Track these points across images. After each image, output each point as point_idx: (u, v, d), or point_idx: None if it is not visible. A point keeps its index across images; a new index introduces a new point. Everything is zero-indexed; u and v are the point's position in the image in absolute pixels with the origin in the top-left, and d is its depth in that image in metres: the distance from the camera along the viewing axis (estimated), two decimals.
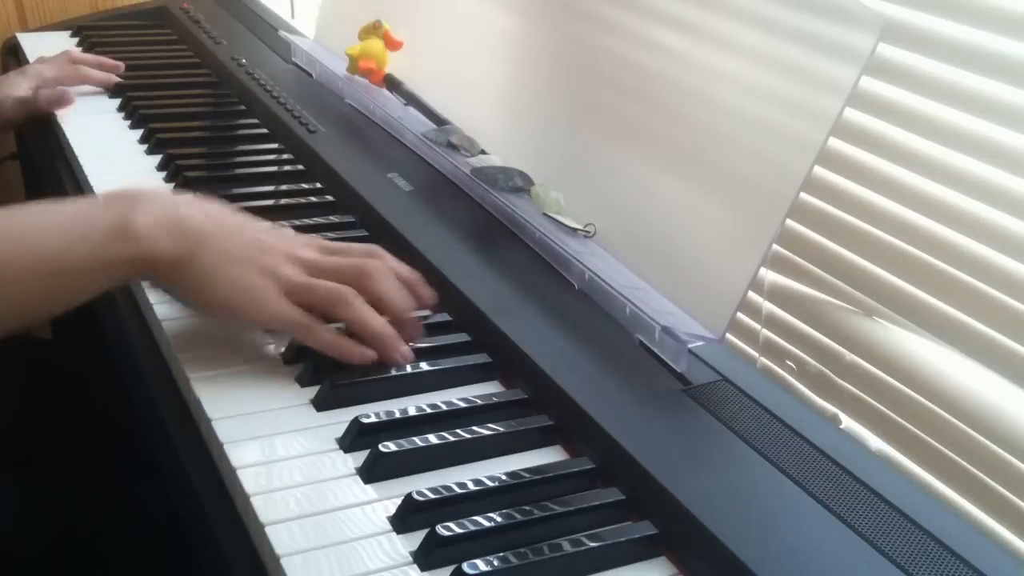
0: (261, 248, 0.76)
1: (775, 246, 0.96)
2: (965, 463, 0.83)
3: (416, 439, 0.68)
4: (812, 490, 0.64)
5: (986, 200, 0.79)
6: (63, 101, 1.23)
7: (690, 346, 0.76)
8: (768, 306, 1.00)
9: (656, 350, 0.78)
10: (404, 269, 0.81)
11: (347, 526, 0.62)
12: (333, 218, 1.00)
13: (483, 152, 1.05)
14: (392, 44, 1.21)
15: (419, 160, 1.09)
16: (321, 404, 0.73)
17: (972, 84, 0.78)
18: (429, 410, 0.72)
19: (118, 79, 1.32)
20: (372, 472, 0.66)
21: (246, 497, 0.64)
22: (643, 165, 0.88)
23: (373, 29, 1.21)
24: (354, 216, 1.00)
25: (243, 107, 1.28)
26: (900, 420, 0.88)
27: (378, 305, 0.76)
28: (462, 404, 0.73)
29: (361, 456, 0.68)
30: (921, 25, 0.81)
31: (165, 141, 1.16)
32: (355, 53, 1.21)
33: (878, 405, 0.90)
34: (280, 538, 0.61)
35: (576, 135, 0.96)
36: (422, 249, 0.90)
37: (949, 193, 0.81)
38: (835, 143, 0.89)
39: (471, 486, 0.65)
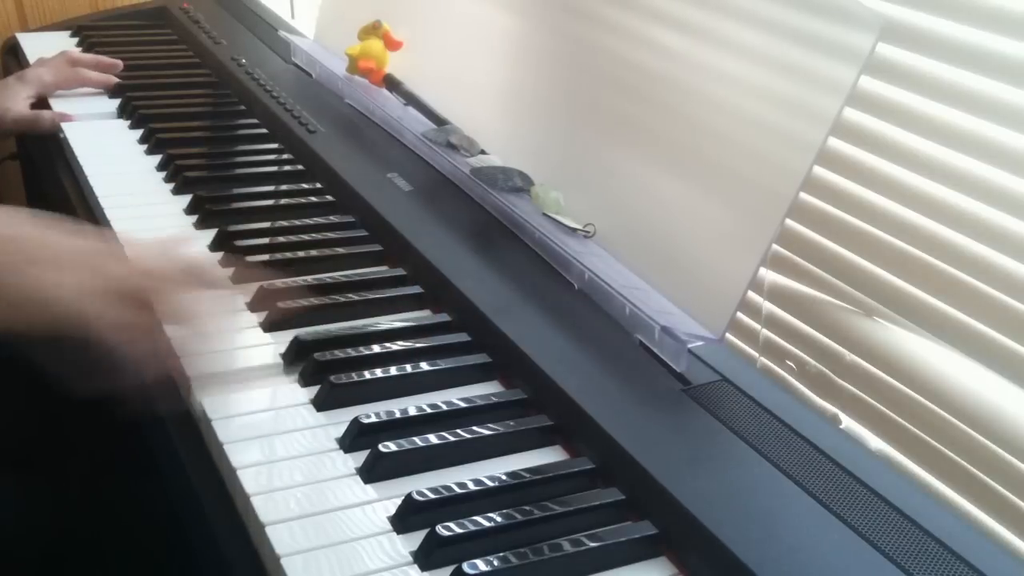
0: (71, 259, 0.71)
1: (775, 246, 0.96)
2: (965, 463, 0.83)
3: (416, 439, 0.68)
4: (812, 490, 0.64)
5: (986, 200, 0.79)
6: (65, 121, 1.22)
7: (690, 346, 0.76)
8: (768, 306, 1.00)
9: (656, 350, 0.78)
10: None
11: (347, 526, 0.62)
12: (333, 218, 1.00)
13: (483, 152, 1.05)
14: (392, 44, 1.21)
15: (419, 160, 1.09)
16: (321, 404, 0.73)
17: (972, 84, 0.78)
18: (429, 410, 0.72)
19: (117, 79, 1.32)
20: (372, 472, 0.66)
21: (246, 497, 0.64)
22: (643, 165, 0.88)
23: (373, 29, 1.21)
24: (354, 216, 1.00)
25: (243, 107, 1.28)
26: (900, 420, 0.88)
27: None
28: (462, 404, 0.73)
29: (361, 456, 0.68)
30: (921, 25, 0.81)
31: (165, 141, 1.16)
32: (355, 53, 1.21)
33: (878, 405, 0.90)
34: (280, 538, 0.61)
35: (576, 135, 0.96)
36: (422, 249, 0.90)
37: (949, 193, 0.81)
38: (835, 143, 0.89)
39: (471, 486, 0.65)
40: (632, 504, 0.65)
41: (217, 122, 1.27)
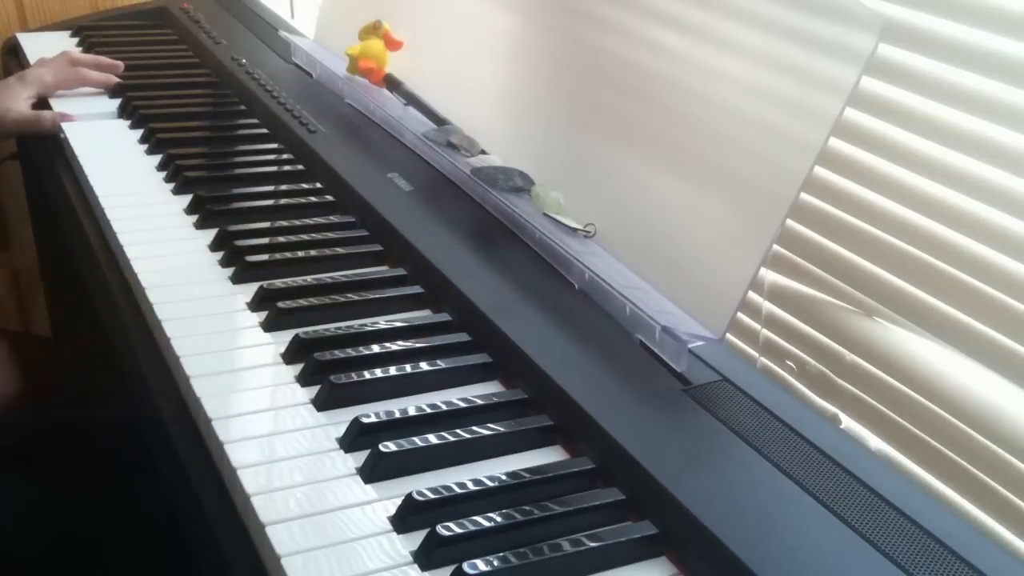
0: None
1: (775, 246, 0.96)
2: (965, 463, 0.83)
3: (416, 439, 0.68)
4: (812, 490, 0.64)
5: (986, 200, 0.79)
6: (66, 121, 1.22)
7: (690, 346, 0.76)
8: (768, 306, 1.00)
9: (656, 350, 0.78)
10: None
11: (347, 526, 0.62)
12: (333, 218, 1.00)
13: (483, 152, 1.05)
14: (392, 44, 1.21)
15: (419, 160, 1.09)
16: (321, 404, 0.73)
17: (972, 84, 0.78)
18: (429, 410, 0.72)
19: (117, 79, 1.32)
20: (372, 472, 0.66)
21: (246, 497, 0.64)
22: (643, 165, 0.88)
23: (373, 29, 1.21)
24: (354, 216, 1.00)
25: (243, 107, 1.28)
26: (900, 420, 0.88)
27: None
28: (462, 404, 0.73)
29: (361, 456, 0.68)
30: (921, 25, 0.81)
31: (165, 141, 1.16)
32: (355, 53, 1.21)
33: (878, 405, 0.90)
34: (280, 538, 0.61)
35: (576, 135, 0.96)
36: (422, 249, 0.90)
37: (949, 193, 0.81)
38: (835, 143, 0.89)
39: (471, 486, 0.65)
40: (632, 504, 0.65)
41: (217, 122, 1.27)
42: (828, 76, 0.73)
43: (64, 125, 1.19)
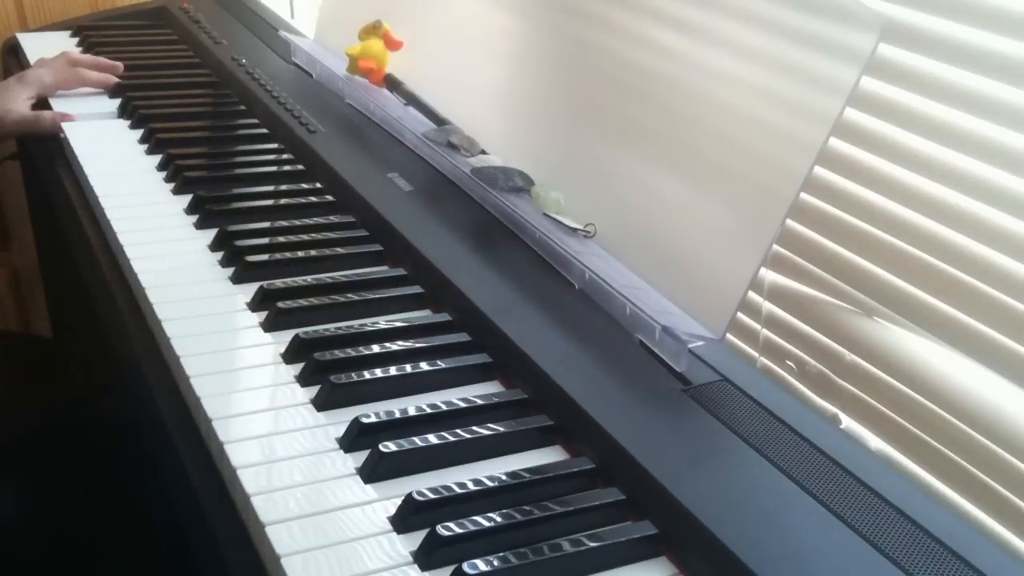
0: None
1: (775, 246, 0.96)
2: (965, 463, 0.83)
3: (416, 439, 0.68)
4: (812, 490, 0.64)
5: (986, 200, 0.79)
6: (66, 121, 1.22)
7: (690, 346, 0.76)
8: (768, 306, 1.00)
9: (656, 350, 0.78)
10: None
11: (347, 526, 0.62)
12: (333, 218, 1.00)
13: (483, 152, 1.05)
14: (392, 44, 1.21)
15: (419, 160, 1.09)
16: (321, 404, 0.73)
17: (972, 84, 0.78)
18: (429, 410, 0.72)
19: (117, 79, 1.32)
20: (372, 472, 0.66)
21: (246, 497, 0.64)
22: (643, 165, 0.88)
23: (373, 29, 1.21)
24: (354, 216, 1.00)
25: (243, 107, 1.28)
26: (900, 420, 0.88)
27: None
28: (462, 404, 0.73)
29: (361, 456, 0.68)
30: (921, 25, 0.81)
31: (165, 141, 1.16)
32: (355, 53, 1.21)
33: (878, 405, 0.90)
34: (280, 538, 0.61)
35: (576, 135, 0.96)
36: (422, 249, 0.90)
37: (949, 193, 0.81)
38: (835, 143, 0.89)
39: (471, 486, 0.65)
40: (632, 504, 0.65)
41: (217, 122, 1.27)
42: (828, 76, 0.73)
43: (64, 125, 1.19)
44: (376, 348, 0.79)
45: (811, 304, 0.95)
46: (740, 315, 1.00)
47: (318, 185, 1.08)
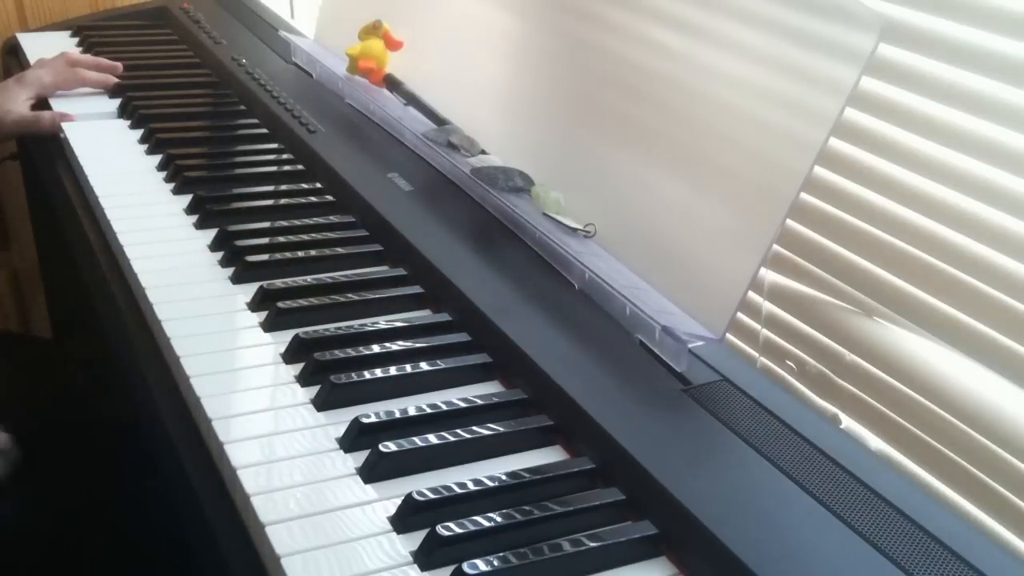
0: None
1: (775, 246, 0.96)
2: (965, 463, 0.83)
3: (416, 439, 0.68)
4: (812, 490, 0.64)
5: (986, 200, 0.79)
6: (65, 120, 1.22)
7: (690, 346, 0.76)
8: (768, 306, 1.00)
9: (656, 350, 0.77)
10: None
11: (347, 526, 0.62)
12: (333, 218, 1.00)
13: (483, 152, 1.05)
14: (392, 44, 1.21)
15: (419, 160, 1.09)
16: (321, 404, 0.73)
17: (972, 84, 0.78)
18: (429, 410, 0.72)
19: (116, 80, 1.32)
20: (372, 472, 0.66)
21: (246, 497, 0.64)
22: (643, 165, 0.88)
23: (373, 29, 1.21)
24: (354, 216, 1.00)
25: (243, 107, 1.28)
26: (900, 420, 0.88)
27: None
28: (462, 404, 0.73)
29: (361, 456, 0.68)
30: (921, 25, 0.81)
31: (165, 141, 1.16)
32: (355, 53, 1.21)
33: (878, 405, 0.90)
34: (280, 538, 0.61)
35: (576, 135, 0.96)
36: (422, 249, 0.90)
37: (949, 193, 0.81)
38: (835, 143, 0.89)
39: (471, 486, 0.65)
40: (632, 504, 0.65)
41: (217, 122, 1.27)
42: (828, 76, 0.73)
43: (64, 125, 1.19)
44: (376, 348, 0.79)
45: (811, 304, 0.95)
46: (740, 315, 1.00)
47: (318, 185, 1.08)
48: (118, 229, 0.96)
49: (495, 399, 0.74)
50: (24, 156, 1.49)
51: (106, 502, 1.04)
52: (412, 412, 0.72)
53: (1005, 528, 0.80)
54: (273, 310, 0.83)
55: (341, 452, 0.69)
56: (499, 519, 0.62)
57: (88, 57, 1.35)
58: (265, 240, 0.96)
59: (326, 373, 0.75)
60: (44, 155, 1.21)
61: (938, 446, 0.84)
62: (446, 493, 0.63)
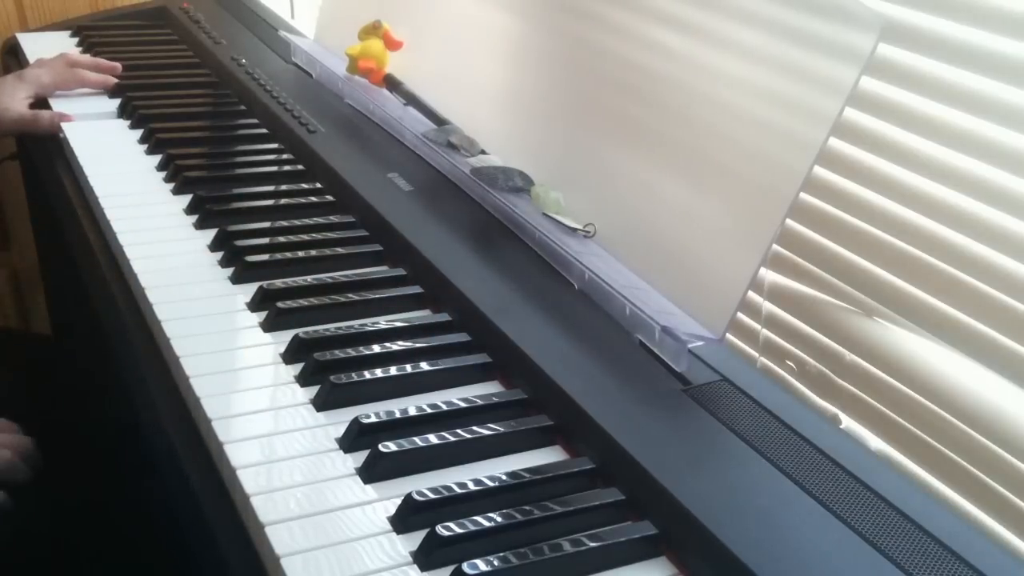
0: None
1: (775, 246, 0.96)
2: (965, 463, 0.83)
3: (416, 439, 0.68)
4: (812, 490, 0.64)
5: (986, 200, 0.79)
6: (64, 121, 1.22)
7: (690, 346, 0.76)
8: (768, 306, 1.00)
9: (656, 350, 0.77)
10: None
11: (347, 526, 0.62)
12: (333, 218, 1.00)
13: (483, 152, 1.05)
14: (392, 44, 1.21)
15: (419, 160, 1.09)
16: (321, 404, 0.73)
17: (972, 84, 0.78)
18: (429, 410, 0.72)
19: (116, 80, 1.32)
20: (372, 472, 0.66)
21: (246, 497, 0.64)
22: (643, 165, 0.88)
23: (373, 29, 1.21)
24: (354, 216, 1.00)
25: (243, 107, 1.28)
26: (900, 420, 0.88)
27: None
28: (462, 404, 0.73)
29: (361, 456, 0.68)
30: (921, 25, 0.81)
31: (165, 141, 1.16)
32: (355, 53, 1.21)
33: (878, 405, 0.90)
34: (280, 538, 0.61)
35: (576, 135, 0.96)
36: (422, 249, 0.90)
37: (949, 193, 0.81)
38: (835, 143, 0.89)
39: (471, 486, 0.65)
40: (632, 504, 0.65)
41: (217, 122, 1.27)
42: (828, 76, 0.73)
43: (64, 125, 1.19)
44: (376, 348, 0.79)
45: (811, 304, 0.95)
46: (740, 315, 1.00)
47: (318, 185, 1.08)
48: (118, 229, 0.96)
49: (495, 399, 0.74)
50: (24, 156, 1.49)
51: (105, 502, 1.04)
52: (412, 412, 0.72)
53: (1005, 528, 0.80)
54: (273, 310, 0.83)
55: (341, 452, 0.69)
56: (499, 519, 0.62)
57: (87, 58, 1.35)
58: (265, 240, 0.96)
59: (326, 373, 0.75)
60: (44, 155, 1.21)
61: (938, 446, 0.84)
62: (446, 493, 0.63)
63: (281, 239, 0.96)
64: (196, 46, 1.47)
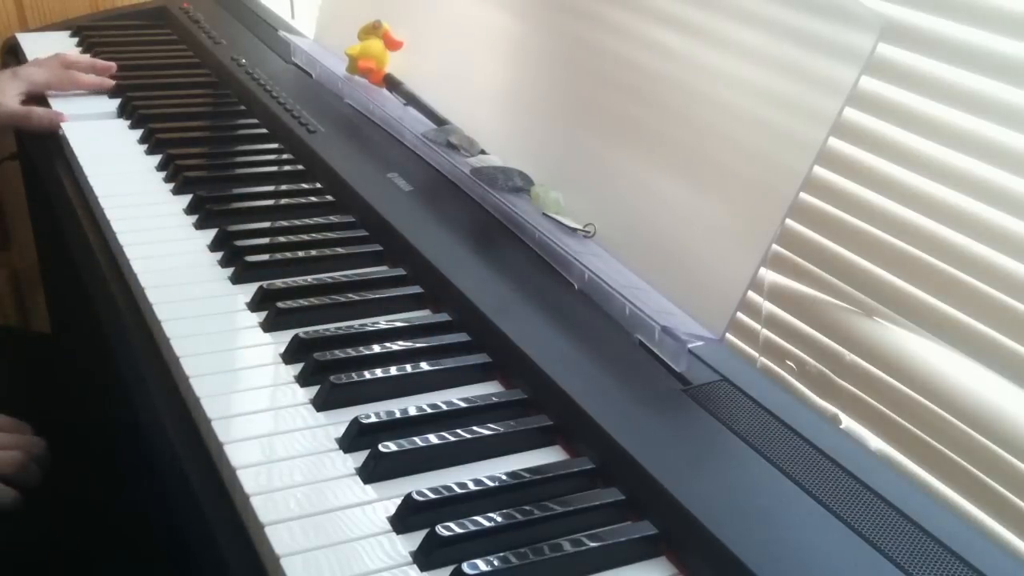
0: None
1: (775, 246, 0.96)
2: (965, 463, 0.82)
3: (416, 439, 0.68)
4: (812, 490, 0.64)
5: (986, 200, 0.79)
6: (58, 120, 1.22)
7: (690, 346, 0.76)
8: (768, 306, 1.00)
9: (656, 350, 0.77)
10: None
11: (347, 526, 0.62)
12: (333, 218, 1.00)
13: (483, 152, 1.05)
14: (392, 44, 1.21)
15: (419, 160, 1.09)
16: (321, 404, 0.73)
17: (972, 84, 0.78)
18: (429, 410, 0.72)
19: (111, 82, 1.31)
20: (372, 472, 0.66)
21: (246, 497, 0.64)
22: (643, 165, 0.88)
23: (373, 29, 1.21)
24: (354, 216, 1.00)
25: (243, 107, 1.28)
26: (900, 420, 0.88)
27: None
28: (462, 404, 0.73)
29: (361, 456, 0.68)
30: (921, 25, 0.81)
31: (165, 141, 1.16)
32: (355, 53, 1.21)
33: (878, 405, 0.90)
34: (280, 538, 0.61)
35: (576, 135, 0.96)
36: (422, 249, 0.90)
37: (949, 193, 0.81)
38: (835, 143, 0.89)
39: (471, 486, 0.65)
40: (632, 504, 0.65)
41: (217, 122, 1.27)
42: (828, 76, 0.73)
43: (64, 125, 1.19)
44: (376, 348, 0.79)
45: (811, 304, 0.95)
46: (740, 315, 1.00)
47: (318, 185, 1.08)
48: (118, 229, 0.96)
49: (495, 399, 0.74)
50: (24, 156, 1.49)
51: (105, 502, 1.04)
52: (412, 412, 0.72)
53: (1005, 528, 0.80)
54: (273, 310, 0.83)
55: (341, 452, 0.69)
56: (499, 519, 0.62)
57: (83, 58, 1.35)
58: (265, 240, 0.96)
59: (326, 373, 0.75)
60: (44, 155, 1.21)
61: (938, 446, 0.84)
62: (446, 493, 0.63)
63: (281, 239, 0.96)
64: (196, 46, 1.47)
